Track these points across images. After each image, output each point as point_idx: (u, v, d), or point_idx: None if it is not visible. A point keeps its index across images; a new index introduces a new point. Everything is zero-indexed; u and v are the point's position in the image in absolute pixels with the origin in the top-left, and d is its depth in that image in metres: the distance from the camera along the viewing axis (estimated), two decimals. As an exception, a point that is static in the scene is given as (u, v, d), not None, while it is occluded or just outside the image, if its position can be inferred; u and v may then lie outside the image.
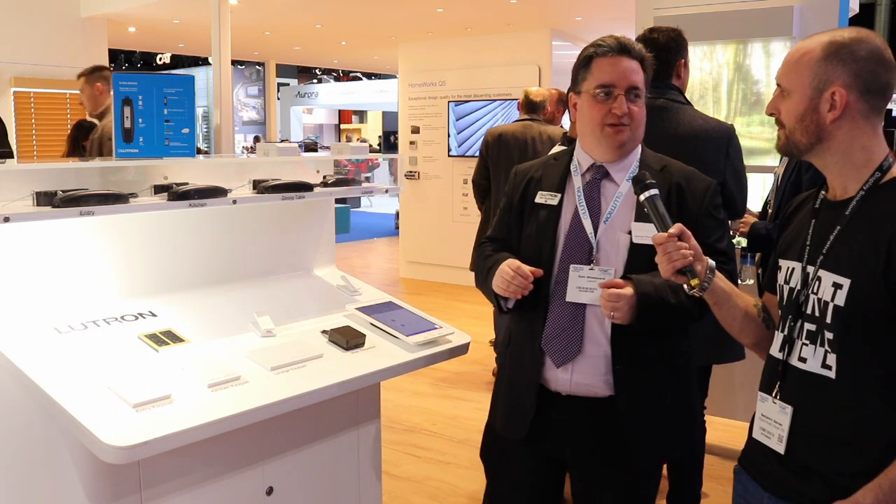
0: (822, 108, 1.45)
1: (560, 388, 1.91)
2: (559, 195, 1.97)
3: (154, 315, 2.13)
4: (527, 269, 1.88)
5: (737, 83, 4.28)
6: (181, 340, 2.04)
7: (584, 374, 1.88)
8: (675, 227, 1.59)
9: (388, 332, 2.28)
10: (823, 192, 1.56)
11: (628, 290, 1.78)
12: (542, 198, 2.00)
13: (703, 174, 2.01)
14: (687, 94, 2.91)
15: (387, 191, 2.92)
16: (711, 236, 1.90)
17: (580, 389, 1.89)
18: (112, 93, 4.71)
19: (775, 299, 1.65)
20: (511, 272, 1.88)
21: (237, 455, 1.99)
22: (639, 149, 2.00)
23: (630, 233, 1.89)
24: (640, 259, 1.86)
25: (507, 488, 2.11)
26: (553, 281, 1.92)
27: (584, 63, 1.95)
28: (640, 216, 1.89)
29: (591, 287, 1.86)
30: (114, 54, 15.69)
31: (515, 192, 2.08)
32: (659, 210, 1.67)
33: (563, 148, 3.13)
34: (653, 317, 1.81)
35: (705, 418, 3.09)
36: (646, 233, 1.86)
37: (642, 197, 1.69)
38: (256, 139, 19.45)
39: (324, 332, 2.24)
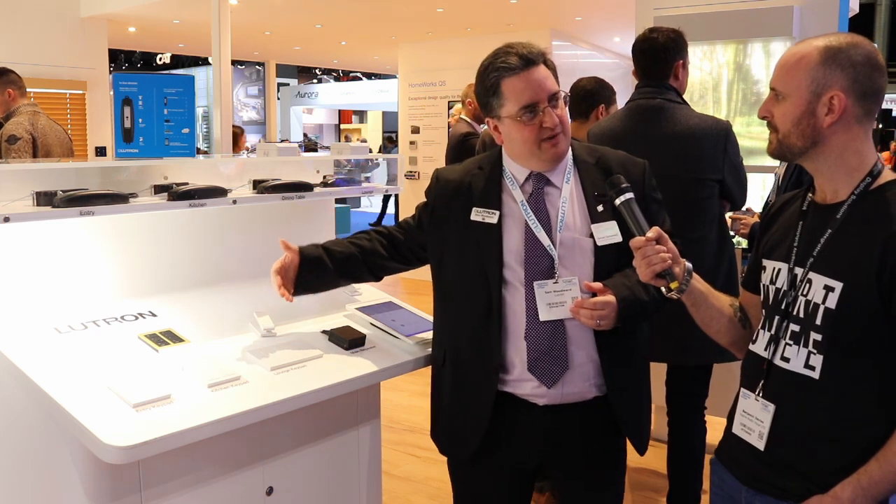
0: (819, 111, 1.45)
1: (551, 401, 1.87)
2: (497, 212, 1.88)
3: (154, 315, 2.13)
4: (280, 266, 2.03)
5: (737, 83, 4.27)
6: (181, 340, 2.04)
7: (574, 384, 1.86)
8: (653, 231, 1.58)
9: (388, 332, 2.28)
10: (811, 195, 1.56)
11: (611, 298, 1.77)
12: (478, 215, 1.89)
13: (634, 157, 1.97)
14: (687, 94, 2.92)
15: (387, 191, 2.92)
16: (658, 219, 1.88)
17: (571, 398, 1.88)
18: (23, 97, 4.65)
19: (755, 299, 1.66)
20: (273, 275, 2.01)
21: (237, 455, 1.99)
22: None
23: (591, 236, 1.85)
24: (607, 260, 1.85)
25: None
26: (516, 297, 1.85)
27: (492, 90, 1.86)
28: (597, 216, 1.86)
29: (561, 301, 1.82)
30: (114, 54, 15.67)
31: (439, 199, 1.99)
32: (636, 214, 1.65)
33: None
34: (633, 318, 1.83)
35: (705, 418, 3.09)
36: (607, 232, 1.85)
37: (618, 201, 1.67)
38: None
39: (324, 332, 2.24)
